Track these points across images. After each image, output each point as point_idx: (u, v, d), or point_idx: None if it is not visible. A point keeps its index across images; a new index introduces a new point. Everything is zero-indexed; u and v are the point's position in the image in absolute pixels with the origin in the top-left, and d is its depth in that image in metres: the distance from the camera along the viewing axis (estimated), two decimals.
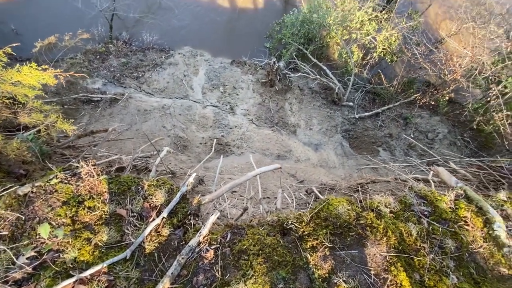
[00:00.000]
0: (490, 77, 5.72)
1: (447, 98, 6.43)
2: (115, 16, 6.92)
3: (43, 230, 1.41)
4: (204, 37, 7.39)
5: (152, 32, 7.04)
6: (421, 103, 6.63)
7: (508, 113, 5.30)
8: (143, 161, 2.81)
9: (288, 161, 5.11)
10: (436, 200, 1.87)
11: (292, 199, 2.66)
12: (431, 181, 2.44)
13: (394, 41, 6.69)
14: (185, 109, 5.81)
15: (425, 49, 6.63)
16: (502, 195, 2.03)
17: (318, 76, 6.63)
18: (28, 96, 2.12)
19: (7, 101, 2.13)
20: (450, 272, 1.56)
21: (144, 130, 4.80)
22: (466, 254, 1.68)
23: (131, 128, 4.85)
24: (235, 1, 7.91)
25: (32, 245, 1.42)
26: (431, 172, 2.55)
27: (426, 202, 1.87)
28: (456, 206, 1.88)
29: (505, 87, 5.47)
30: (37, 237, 1.45)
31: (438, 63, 6.49)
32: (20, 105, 2.25)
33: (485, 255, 1.68)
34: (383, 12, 6.97)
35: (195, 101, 6.18)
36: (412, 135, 6.31)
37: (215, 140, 5.18)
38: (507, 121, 5.29)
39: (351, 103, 6.77)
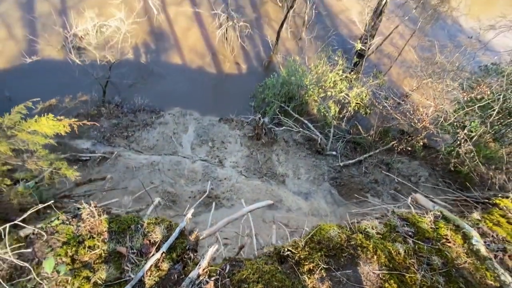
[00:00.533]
0: (455, 123, 6.32)
1: (421, 143, 6.91)
2: (109, 83, 7.46)
3: (48, 265, 1.42)
4: (193, 98, 7.96)
5: (144, 96, 7.54)
6: (399, 150, 7.05)
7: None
8: (134, 213, 2.75)
9: (279, 211, 5.04)
10: (417, 222, 2.01)
11: (287, 237, 2.59)
12: (410, 205, 2.58)
13: (365, 97, 7.48)
14: (174, 164, 5.86)
15: (393, 102, 7.40)
16: (476, 215, 2.21)
17: (300, 129, 7.08)
18: (39, 144, 2.23)
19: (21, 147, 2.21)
20: (441, 287, 1.56)
21: (132, 186, 4.73)
22: (454, 270, 1.75)
23: (118, 185, 4.76)
24: (222, 68, 8.83)
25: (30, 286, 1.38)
26: (409, 198, 2.70)
27: (408, 223, 1.99)
28: (436, 226, 2.07)
29: (471, 131, 6.03)
30: (36, 277, 1.42)
31: (407, 113, 7.19)
32: (29, 154, 2.33)
33: (471, 270, 1.76)
34: (352, 73, 7.95)
35: (184, 157, 6.29)
36: (396, 180, 6.52)
37: (209, 188, 5.12)
38: (478, 161, 5.66)
39: (334, 152, 7.10)
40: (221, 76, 8.75)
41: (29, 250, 1.54)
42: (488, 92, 5.59)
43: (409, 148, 7.09)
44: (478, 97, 6.03)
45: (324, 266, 1.62)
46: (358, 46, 7.59)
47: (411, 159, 7.11)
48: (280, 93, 7.70)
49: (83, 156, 5.31)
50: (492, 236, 2.05)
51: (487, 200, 2.71)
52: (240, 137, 7.00)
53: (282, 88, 7.70)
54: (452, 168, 6.36)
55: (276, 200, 5.35)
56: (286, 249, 1.70)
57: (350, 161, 6.99)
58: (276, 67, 8.96)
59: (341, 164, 6.87)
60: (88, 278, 1.51)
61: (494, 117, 5.82)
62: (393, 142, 7.11)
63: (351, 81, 7.73)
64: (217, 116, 7.61)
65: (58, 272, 1.47)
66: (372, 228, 1.91)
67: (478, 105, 5.56)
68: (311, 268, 1.62)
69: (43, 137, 2.32)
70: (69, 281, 1.47)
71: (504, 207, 2.40)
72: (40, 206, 1.62)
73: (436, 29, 10.23)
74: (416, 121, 6.99)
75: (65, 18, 7.84)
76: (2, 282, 1.41)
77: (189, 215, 1.92)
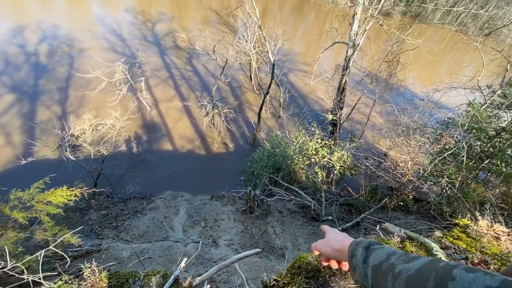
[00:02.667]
0: (434, 173, 6.67)
1: (411, 197, 7.05)
2: (102, 175, 7.66)
3: None
4: (184, 181, 8.15)
5: (135, 184, 7.68)
6: (392, 206, 7.10)
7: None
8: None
9: None
10: (386, 243, 2.06)
11: None
12: (379, 232, 2.82)
13: (347, 159, 7.96)
14: (165, 250, 5.54)
15: (374, 161, 7.89)
16: (438, 233, 2.48)
17: (292, 197, 7.16)
18: (49, 215, 2.34)
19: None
20: None
21: None
22: None
23: None
24: (211, 149, 9.41)
25: None
26: (378, 226, 2.80)
27: None
28: (403, 245, 2.18)
29: (452, 178, 6.34)
30: None
31: (390, 170, 7.58)
32: (37, 226, 2.40)
33: None
34: (330, 140, 8.67)
35: (176, 241, 6.00)
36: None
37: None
38: (469, 206, 5.75)
39: (330, 217, 7.01)
40: (210, 156, 9.23)
41: None
42: (453, 142, 6.20)
43: (401, 203, 7.17)
44: (447, 147, 6.63)
45: (305, 286, 1.76)
46: (330, 117, 8.56)
47: (406, 213, 7.09)
48: (268, 165, 8.09)
49: (72, 251, 4.99)
50: (454, 248, 2.22)
51: (449, 223, 2.92)
52: (233, 212, 6.91)
53: (269, 160, 8.14)
54: (448, 217, 6.35)
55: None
56: (271, 280, 1.82)
57: (348, 224, 6.85)
58: (261, 142, 9.66)
59: (340, 228, 6.69)
60: None
61: (467, 163, 6.27)
62: (385, 200, 7.21)
63: (330, 147, 8.36)
64: (208, 194, 7.66)
65: None
66: None
67: (448, 153, 6.05)
68: None
69: (55, 207, 2.45)
70: None
71: (464, 225, 2.57)
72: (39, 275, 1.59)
73: (393, 96, 11.86)
74: (400, 176, 7.32)
75: (65, 121, 8.61)
76: None
77: (182, 264, 1.90)
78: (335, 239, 0.79)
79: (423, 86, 11.19)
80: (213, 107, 9.67)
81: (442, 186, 6.49)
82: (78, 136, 8.09)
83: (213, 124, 9.90)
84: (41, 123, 9.00)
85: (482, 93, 8.49)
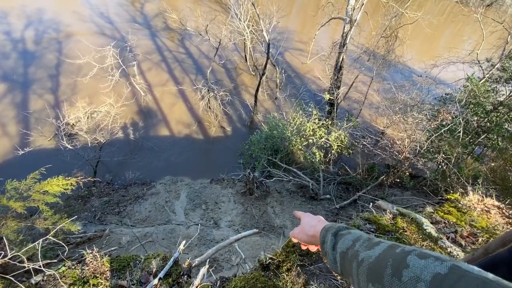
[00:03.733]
0: (431, 150, 6.74)
1: (407, 174, 7.16)
2: (100, 162, 7.68)
3: None
4: (183, 165, 8.20)
5: (134, 170, 7.72)
6: (388, 183, 7.24)
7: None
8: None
9: None
10: (378, 220, 2.25)
11: None
12: (372, 210, 2.87)
13: (344, 138, 7.99)
14: (168, 233, 5.69)
15: (371, 140, 7.93)
16: (430, 208, 2.51)
17: (291, 178, 7.25)
18: (47, 204, 2.41)
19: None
20: None
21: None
22: None
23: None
24: (208, 133, 9.39)
25: None
26: (371, 204, 2.87)
27: (371, 222, 2.13)
28: (395, 221, 2.26)
29: (447, 154, 6.41)
30: None
31: (387, 148, 7.64)
32: (37, 215, 2.48)
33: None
34: (327, 120, 8.64)
35: (178, 224, 6.15)
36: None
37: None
38: (464, 181, 5.87)
39: (328, 196, 7.16)
40: (208, 141, 9.23)
41: None
42: (450, 118, 6.20)
43: (398, 180, 7.31)
44: (444, 123, 6.64)
45: (299, 263, 1.85)
46: (327, 97, 8.47)
47: (403, 190, 7.24)
48: (266, 147, 8.12)
49: (75, 237, 5.12)
50: (444, 222, 2.31)
51: (441, 198, 3.01)
52: (233, 195, 7.03)
53: (267, 142, 8.15)
54: (444, 193, 6.49)
55: None
56: (267, 258, 1.90)
57: (346, 202, 7.01)
58: (258, 125, 9.63)
59: (338, 206, 6.86)
60: None
61: (463, 139, 6.30)
62: (382, 177, 7.33)
63: (327, 127, 8.35)
64: (208, 178, 7.75)
65: None
66: None
67: (444, 129, 6.07)
68: (289, 267, 1.85)
69: (52, 196, 2.50)
70: None
71: (455, 200, 2.63)
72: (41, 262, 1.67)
73: (391, 73, 11.69)
74: (397, 153, 7.40)
75: (58, 110, 8.49)
76: None
77: (181, 246, 1.98)
78: (308, 225, 0.79)
79: (422, 62, 10.99)
80: (208, 90, 9.52)
81: (438, 162, 6.57)
82: (73, 124, 8.01)
83: (209, 107, 9.80)
84: (34, 112, 8.88)
85: (481, 67, 8.37)
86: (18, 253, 1.72)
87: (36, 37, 11.89)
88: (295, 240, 0.84)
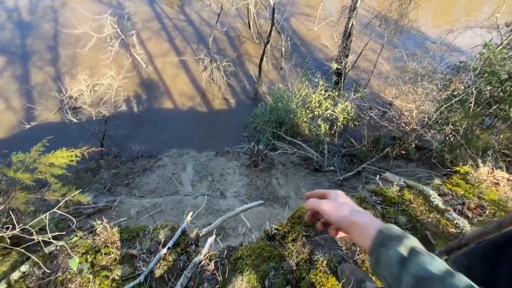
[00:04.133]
0: (439, 121, 6.58)
1: (413, 146, 7.10)
2: (106, 136, 7.74)
3: (73, 263, 1.76)
4: (188, 138, 8.24)
5: (140, 143, 7.79)
6: (394, 155, 7.20)
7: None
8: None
9: None
10: (384, 192, 2.28)
11: None
12: (379, 182, 2.89)
13: (351, 110, 7.82)
14: (176, 203, 5.89)
15: (378, 111, 7.75)
16: (437, 181, 2.60)
17: (295, 150, 7.26)
18: (55, 176, 2.49)
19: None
20: None
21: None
22: (418, 224, 2.02)
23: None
24: (212, 105, 9.28)
25: None
26: (377, 176, 2.90)
27: (377, 194, 2.16)
28: (401, 194, 2.34)
29: (456, 125, 6.27)
30: (62, 285, 1.75)
31: (394, 119, 7.48)
32: (46, 188, 2.59)
33: (434, 223, 2.05)
34: (334, 91, 8.40)
35: (185, 195, 6.33)
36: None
37: None
38: (471, 153, 5.80)
39: (332, 168, 7.21)
40: (212, 113, 9.15)
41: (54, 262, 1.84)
42: (462, 87, 5.95)
43: (403, 152, 7.26)
44: (455, 93, 6.40)
45: (305, 234, 1.90)
46: (334, 66, 8.15)
47: (408, 162, 7.24)
48: (270, 119, 8.03)
49: (86, 208, 5.34)
50: (452, 194, 2.32)
51: (450, 170, 3.01)
52: (238, 167, 7.13)
53: (271, 114, 8.05)
54: (449, 164, 6.46)
55: None
56: (273, 229, 1.98)
57: (349, 174, 7.06)
58: (263, 97, 9.44)
59: (341, 177, 6.93)
60: (107, 277, 1.79)
61: (474, 110, 6.11)
62: (387, 149, 7.29)
63: (334, 98, 8.15)
64: (213, 151, 7.81)
65: (81, 270, 1.76)
66: None
67: (455, 100, 5.87)
68: (294, 237, 1.90)
69: (59, 169, 2.58)
70: (90, 280, 1.75)
71: (463, 172, 2.62)
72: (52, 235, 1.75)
73: (403, 40, 11.07)
74: (404, 125, 7.26)
75: (60, 83, 8.38)
76: None
77: (189, 217, 2.06)
78: (348, 208, 0.70)
79: (437, 27, 10.31)
80: (211, 60, 9.21)
81: (446, 134, 6.46)
82: (76, 97, 7.95)
83: (212, 79, 9.56)
84: (37, 85, 8.79)
85: (500, 32, 7.83)
86: (27, 226, 1.79)
87: (31, 6, 11.37)
88: (308, 208, 0.76)
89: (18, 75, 9.06)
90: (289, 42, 10.75)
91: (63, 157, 2.66)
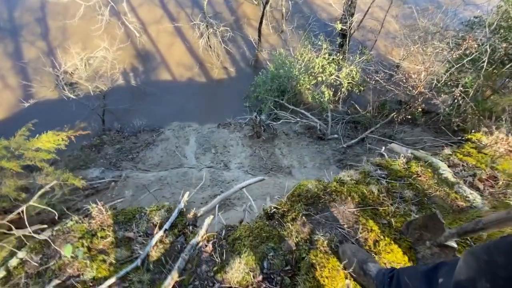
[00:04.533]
0: (448, 83, 6.28)
1: (420, 110, 6.88)
2: (106, 111, 7.65)
3: (67, 251, 1.75)
4: (189, 110, 8.11)
5: (142, 117, 7.71)
6: (399, 120, 7.03)
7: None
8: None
9: None
10: (390, 165, 2.20)
11: None
12: (384, 154, 2.78)
13: (356, 75, 7.49)
14: (181, 175, 5.98)
15: (384, 75, 7.39)
16: (447, 150, 2.41)
17: (298, 119, 7.13)
18: (45, 161, 2.50)
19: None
20: (413, 214, 1.81)
21: (145, 203, 4.86)
22: (426, 199, 1.93)
23: (131, 204, 4.91)
24: (211, 75, 8.96)
25: (55, 276, 1.75)
26: (383, 148, 2.84)
27: (382, 168, 2.10)
28: (408, 166, 2.13)
29: (466, 87, 5.99)
30: (60, 270, 1.79)
31: (401, 83, 7.16)
32: (38, 172, 2.61)
33: (442, 196, 1.98)
34: (338, 54, 7.97)
35: (190, 167, 6.40)
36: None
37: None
38: (480, 115, 5.62)
39: (335, 135, 7.12)
40: (212, 83, 8.87)
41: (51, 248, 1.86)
42: (475, 45, 5.56)
43: (409, 117, 7.07)
44: (467, 52, 6.00)
45: (305, 213, 1.86)
46: (339, 26, 7.62)
47: (413, 126, 7.09)
48: (272, 88, 7.78)
49: (94, 184, 5.48)
50: (462, 165, 2.22)
51: (461, 138, 2.88)
52: (241, 138, 7.09)
53: (273, 83, 7.77)
54: (456, 128, 6.31)
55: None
56: (272, 208, 1.94)
57: (353, 141, 6.99)
58: (264, 64, 9.04)
59: (345, 145, 6.88)
60: (104, 261, 1.80)
61: (486, 69, 5.78)
62: (392, 114, 7.09)
63: (338, 62, 7.76)
64: (215, 122, 7.72)
65: (76, 256, 1.79)
66: (348, 177, 2.18)
67: (467, 59, 5.52)
68: (294, 217, 1.87)
69: (47, 153, 2.58)
70: (88, 265, 1.77)
71: (476, 140, 2.51)
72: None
73: None
74: (411, 88, 6.97)
75: (53, 58, 8.08)
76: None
77: (185, 197, 2.10)
78: None
79: None
80: (207, 26, 8.69)
81: (455, 96, 6.20)
82: (71, 73, 7.71)
83: (210, 46, 9.10)
84: (30, 62, 8.52)
85: None
86: (12, 215, 1.80)
87: None
88: None
89: (11, 52, 8.75)
90: (290, 2, 9.98)
91: (49, 141, 2.59)
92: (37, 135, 2.71)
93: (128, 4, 9.73)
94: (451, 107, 6.44)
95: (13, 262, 1.79)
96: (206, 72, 9.02)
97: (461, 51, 5.82)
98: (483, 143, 2.35)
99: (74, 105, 7.23)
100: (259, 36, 9.21)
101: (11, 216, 1.84)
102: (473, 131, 2.92)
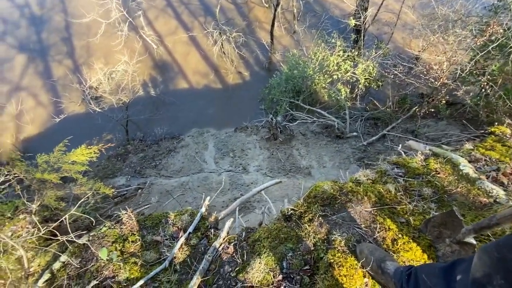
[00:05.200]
0: (474, 72, 5.95)
1: (444, 102, 6.56)
2: (129, 122, 8.04)
3: (103, 254, 1.91)
4: (206, 116, 8.31)
5: (162, 125, 8.02)
6: (422, 114, 6.75)
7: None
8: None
9: None
10: (408, 163, 2.15)
11: None
12: (401, 152, 2.68)
13: (373, 70, 7.30)
14: (202, 180, 6.15)
15: (404, 68, 7.14)
16: (469, 145, 2.30)
17: (315, 119, 7.07)
18: (79, 172, 2.72)
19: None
20: (433, 212, 1.66)
21: (169, 208, 5.05)
22: (446, 196, 1.86)
23: (157, 209, 5.12)
24: (226, 80, 9.14)
25: (93, 277, 1.93)
26: (400, 145, 2.74)
27: (399, 166, 2.04)
28: (426, 163, 2.07)
29: (493, 75, 5.64)
30: (98, 272, 1.95)
31: (421, 75, 6.88)
32: (73, 183, 2.83)
33: (463, 193, 1.89)
34: (353, 50, 7.82)
35: (210, 172, 6.56)
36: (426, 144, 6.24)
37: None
38: (510, 104, 5.27)
39: (355, 133, 6.97)
40: (228, 89, 9.04)
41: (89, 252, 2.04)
42: (501, 31, 5.23)
43: (433, 110, 6.77)
44: (493, 38, 5.66)
45: (321, 214, 1.89)
46: (352, 22, 7.49)
47: (437, 120, 6.78)
48: (287, 89, 7.78)
49: (122, 191, 5.78)
50: (485, 160, 2.10)
51: (484, 132, 2.70)
52: (258, 141, 7.15)
53: (287, 84, 7.77)
54: (485, 119, 5.95)
55: None
56: (289, 210, 1.98)
57: (374, 138, 6.81)
58: (277, 66, 9.08)
59: (365, 143, 6.71)
60: (135, 263, 1.97)
61: None
62: (414, 108, 6.83)
63: (354, 58, 7.61)
64: (232, 127, 7.85)
65: (111, 259, 1.96)
66: (364, 176, 2.17)
67: (493, 46, 5.22)
68: (311, 218, 1.90)
69: (81, 165, 2.82)
70: (121, 266, 1.94)
71: (500, 133, 2.34)
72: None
73: None
74: (433, 80, 6.67)
75: (79, 74, 8.65)
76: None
77: (206, 202, 2.18)
78: None
79: None
80: (220, 33, 8.88)
81: (482, 86, 5.86)
82: (96, 87, 8.20)
83: (224, 53, 9.28)
84: (59, 79, 9.16)
85: None
86: (49, 225, 1.95)
87: None
88: None
89: (41, 71, 9.46)
90: (301, 2, 9.96)
91: (83, 155, 2.85)
92: (72, 150, 2.98)
93: (144, 18, 10.20)
94: (478, 97, 6.09)
95: (56, 265, 2.00)
96: (222, 78, 9.21)
97: (485, 38, 5.50)
98: (508, 135, 2.22)
99: (100, 117, 7.67)
100: (272, 38, 9.26)
101: (56, 223, 2.03)
102: (496, 123, 2.77)
